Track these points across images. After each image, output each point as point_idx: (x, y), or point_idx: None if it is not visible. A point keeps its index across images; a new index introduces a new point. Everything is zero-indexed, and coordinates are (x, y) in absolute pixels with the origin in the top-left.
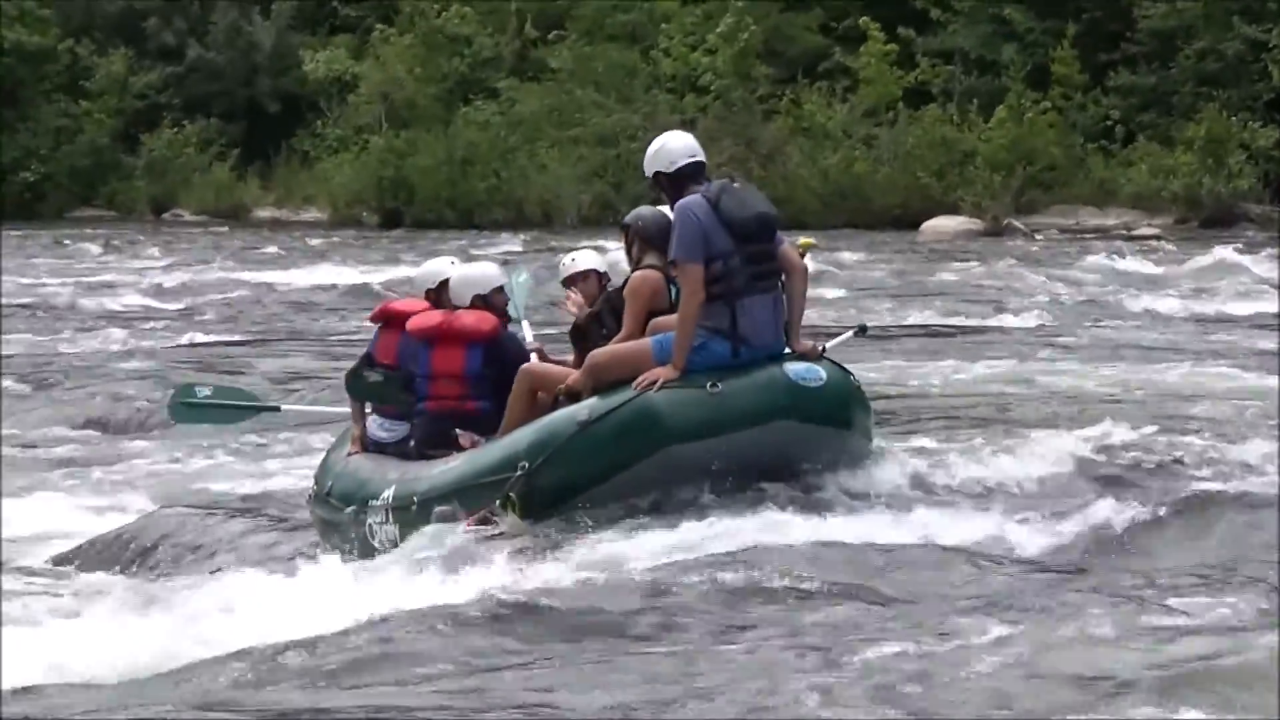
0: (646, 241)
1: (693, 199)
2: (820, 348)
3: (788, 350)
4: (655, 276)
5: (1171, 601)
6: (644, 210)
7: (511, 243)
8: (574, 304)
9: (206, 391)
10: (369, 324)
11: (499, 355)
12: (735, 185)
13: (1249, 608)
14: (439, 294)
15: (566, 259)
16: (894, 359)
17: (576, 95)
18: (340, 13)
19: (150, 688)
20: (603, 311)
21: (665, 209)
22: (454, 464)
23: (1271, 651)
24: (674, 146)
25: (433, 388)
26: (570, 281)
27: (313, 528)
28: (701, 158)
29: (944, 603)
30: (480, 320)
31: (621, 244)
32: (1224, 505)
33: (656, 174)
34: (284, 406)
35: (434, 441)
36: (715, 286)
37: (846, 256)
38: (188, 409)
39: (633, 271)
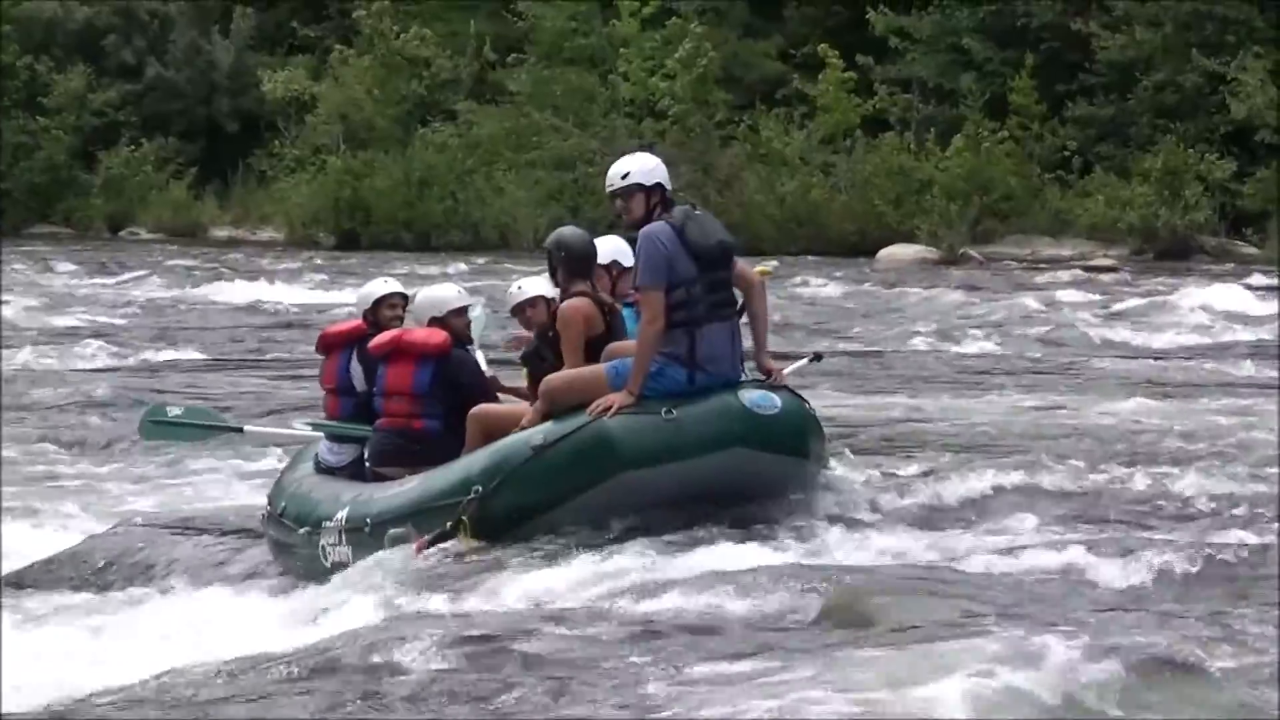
0: (571, 270)
1: (658, 226)
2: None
3: (753, 371)
4: (584, 304)
5: (1156, 607)
6: (566, 233)
7: (468, 265)
8: (516, 345)
9: (177, 411)
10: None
11: (449, 374)
12: (698, 212)
13: (1240, 609)
14: (375, 314)
15: (513, 287)
16: (848, 386)
17: (534, 118)
18: (299, 33)
19: (98, 705)
20: (540, 346)
21: (614, 238)
22: (408, 486)
23: (1271, 651)
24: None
25: (386, 405)
26: (519, 309)
27: (265, 548)
28: None
29: (901, 629)
30: (429, 335)
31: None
32: (1200, 523)
33: (658, 185)
34: (246, 428)
35: (385, 459)
36: (676, 313)
37: (802, 283)
38: (156, 426)
39: (560, 299)
